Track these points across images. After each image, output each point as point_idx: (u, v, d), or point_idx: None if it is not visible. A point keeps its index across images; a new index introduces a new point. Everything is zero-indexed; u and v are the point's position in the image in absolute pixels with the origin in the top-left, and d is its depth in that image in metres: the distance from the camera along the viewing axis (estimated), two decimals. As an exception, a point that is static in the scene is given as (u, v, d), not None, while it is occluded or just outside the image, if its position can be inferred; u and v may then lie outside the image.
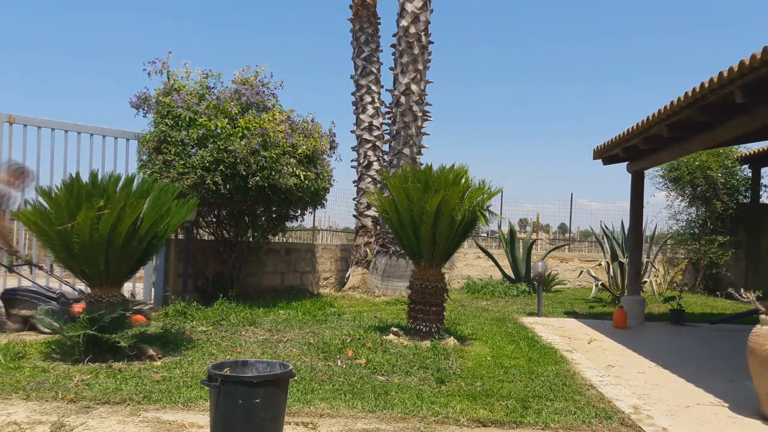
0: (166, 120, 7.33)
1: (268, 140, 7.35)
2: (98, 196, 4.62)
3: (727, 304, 10.31)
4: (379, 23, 11.89)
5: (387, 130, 11.30)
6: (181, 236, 8.22)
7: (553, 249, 13.75)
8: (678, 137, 6.73)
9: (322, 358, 4.97)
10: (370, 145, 11.66)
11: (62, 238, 4.63)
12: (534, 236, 14.18)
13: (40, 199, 4.81)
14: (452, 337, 5.86)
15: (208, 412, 3.03)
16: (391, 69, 11.14)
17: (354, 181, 12.02)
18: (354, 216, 11.92)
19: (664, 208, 18.93)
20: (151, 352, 4.81)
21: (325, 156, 8.48)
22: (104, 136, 7.60)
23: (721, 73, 5.01)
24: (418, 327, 5.81)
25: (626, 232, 9.83)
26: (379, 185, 10.94)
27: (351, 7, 11.78)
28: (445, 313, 6.06)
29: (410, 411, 3.58)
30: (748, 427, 3.61)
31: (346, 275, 11.27)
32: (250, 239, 8.69)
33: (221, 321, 6.56)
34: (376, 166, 11.59)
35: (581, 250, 16.37)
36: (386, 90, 11.37)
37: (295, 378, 4.12)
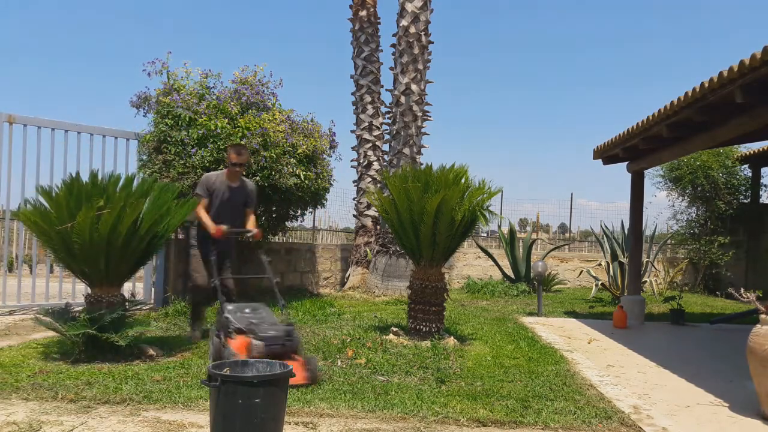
0: (166, 120, 7.33)
1: (268, 140, 7.35)
2: (98, 196, 4.62)
3: (727, 304, 10.30)
4: (379, 23, 11.89)
5: (387, 130, 11.30)
6: (181, 236, 8.22)
7: (553, 249, 13.74)
8: (678, 137, 6.73)
9: (322, 357, 4.97)
10: (370, 144, 11.66)
11: (62, 238, 4.63)
12: (534, 236, 14.18)
13: (41, 199, 4.81)
14: (452, 337, 5.86)
15: (208, 412, 3.03)
16: (391, 69, 11.14)
17: (354, 181, 12.02)
18: (354, 216, 11.92)
19: (665, 208, 18.97)
20: (151, 351, 4.81)
21: (325, 156, 8.48)
22: (104, 136, 7.60)
23: (721, 73, 5.01)
24: (418, 327, 5.81)
25: (626, 232, 9.83)
26: (379, 185, 10.94)
27: (351, 6, 11.78)
28: (445, 313, 6.06)
29: (410, 411, 3.58)
30: (748, 427, 3.61)
31: (346, 275, 11.27)
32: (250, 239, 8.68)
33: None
34: (376, 166, 11.59)
35: (581, 250, 16.37)
36: (386, 90, 11.38)
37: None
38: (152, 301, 7.75)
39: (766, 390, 3.72)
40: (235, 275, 5.79)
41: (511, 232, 12.30)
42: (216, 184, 5.57)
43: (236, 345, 4.16)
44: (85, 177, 4.89)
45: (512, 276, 12.06)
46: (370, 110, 11.73)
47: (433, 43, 10.98)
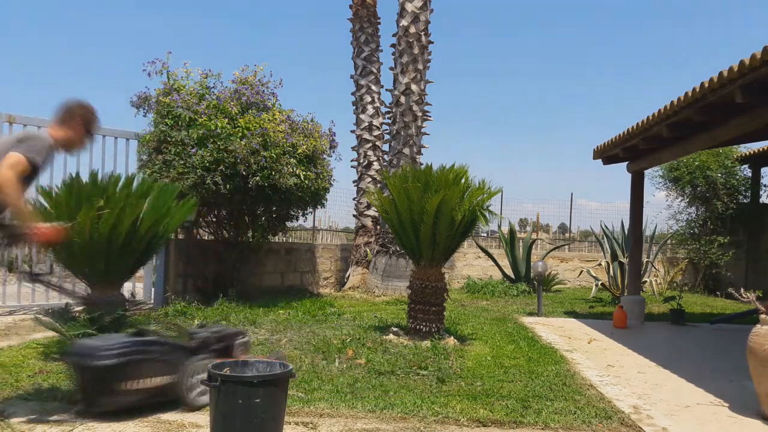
0: (166, 120, 7.33)
1: (268, 140, 7.35)
2: (98, 196, 4.62)
3: (727, 304, 10.30)
4: (379, 23, 11.90)
5: (387, 130, 11.31)
6: (181, 236, 8.22)
7: (553, 249, 13.74)
8: (678, 137, 6.73)
9: (322, 357, 4.97)
10: (370, 145, 11.66)
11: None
12: (534, 236, 14.18)
13: (41, 199, 4.82)
14: (452, 337, 5.86)
15: (208, 412, 3.03)
16: (391, 69, 11.14)
17: (354, 181, 12.02)
18: (354, 216, 11.92)
19: (665, 208, 18.94)
20: (151, 352, 4.81)
21: (325, 156, 8.48)
22: (104, 136, 7.60)
23: (721, 73, 5.01)
24: (418, 327, 5.81)
25: (626, 232, 9.83)
26: (379, 185, 10.94)
27: (351, 7, 11.79)
28: (445, 312, 6.06)
29: (410, 411, 3.58)
30: (748, 427, 3.61)
31: (346, 275, 11.27)
32: (250, 239, 8.69)
33: (221, 321, 6.56)
34: (376, 166, 11.59)
35: (581, 250, 16.36)
36: (386, 90, 11.38)
37: (295, 378, 4.11)
38: (152, 301, 7.75)
39: (766, 390, 3.73)
40: None
41: (511, 232, 12.30)
42: (51, 159, 3.48)
43: None
44: (85, 177, 4.89)
45: (512, 276, 12.06)
46: (370, 110, 11.73)
47: (433, 42, 11.00)
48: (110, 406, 3.31)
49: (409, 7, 10.61)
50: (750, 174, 12.70)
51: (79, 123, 3.44)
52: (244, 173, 7.17)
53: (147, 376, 3.35)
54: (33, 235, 3.22)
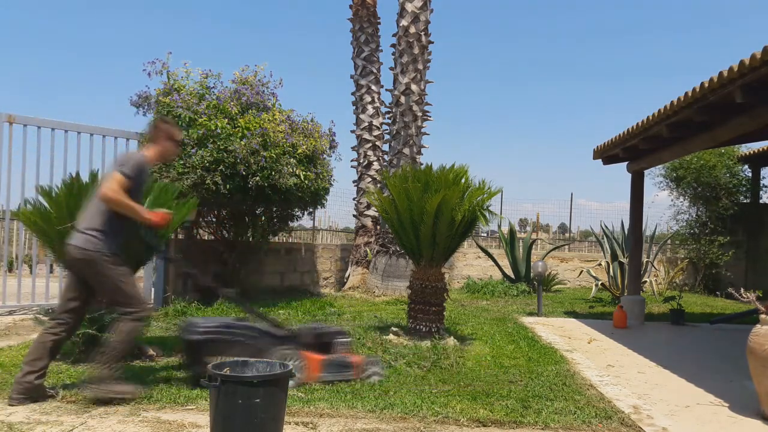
0: (166, 120, 7.33)
1: (268, 140, 7.35)
2: (98, 196, 4.61)
3: (727, 304, 10.30)
4: (379, 23, 11.90)
5: (387, 130, 11.31)
6: (181, 236, 8.22)
7: (553, 249, 13.74)
8: (678, 137, 6.73)
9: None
10: (370, 145, 11.66)
11: (62, 238, 4.62)
12: (534, 236, 14.18)
13: (41, 199, 4.82)
14: (452, 337, 5.86)
15: (208, 412, 3.03)
16: (391, 69, 11.14)
17: (354, 181, 12.02)
18: (354, 216, 11.92)
19: (665, 208, 18.98)
20: (151, 351, 4.82)
21: (324, 156, 8.48)
22: (104, 136, 7.60)
23: (721, 73, 5.01)
24: (418, 327, 5.81)
25: (626, 232, 9.83)
26: (379, 185, 10.94)
27: (351, 7, 11.79)
28: (445, 312, 6.06)
29: (410, 411, 3.58)
30: (748, 427, 3.61)
31: (346, 275, 11.27)
32: (250, 239, 8.70)
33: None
34: (376, 166, 11.59)
35: (581, 250, 16.36)
36: (386, 90, 11.38)
37: (295, 377, 4.11)
38: (152, 301, 7.75)
39: (766, 390, 3.72)
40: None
41: (511, 232, 12.30)
42: (147, 172, 4.08)
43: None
44: (85, 177, 4.88)
45: (512, 276, 12.06)
46: (370, 110, 11.73)
47: (433, 43, 11.00)
48: (200, 373, 3.75)
49: (409, 7, 10.61)
50: (750, 174, 12.71)
51: (164, 137, 4.05)
52: (244, 173, 7.17)
53: (231, 354, 3.75)
54: (151, 222, 3.92)
